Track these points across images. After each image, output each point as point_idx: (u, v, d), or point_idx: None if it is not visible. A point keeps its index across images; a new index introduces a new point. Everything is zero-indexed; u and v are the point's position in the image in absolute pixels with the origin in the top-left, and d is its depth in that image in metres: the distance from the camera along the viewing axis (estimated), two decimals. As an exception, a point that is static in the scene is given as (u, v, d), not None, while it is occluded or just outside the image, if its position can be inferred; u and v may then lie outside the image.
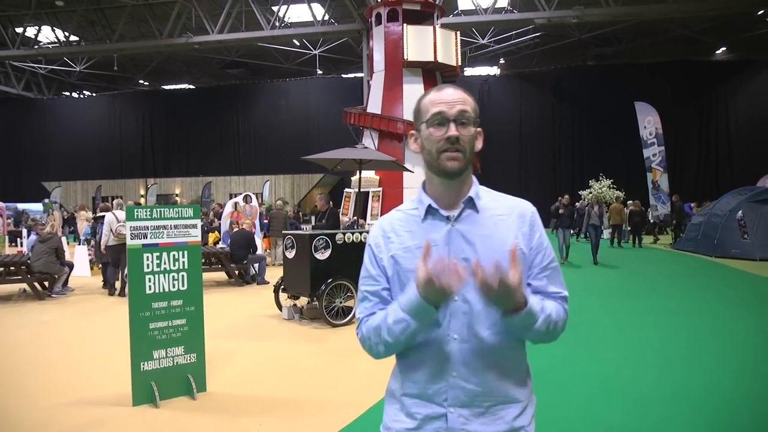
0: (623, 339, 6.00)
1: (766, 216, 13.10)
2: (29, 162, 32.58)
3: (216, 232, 14.36)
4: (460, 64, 21.15)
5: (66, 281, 9.49)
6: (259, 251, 11.67)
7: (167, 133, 32.88)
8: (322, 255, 6.72)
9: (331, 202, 9.42)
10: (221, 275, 11.14)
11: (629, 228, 17.89)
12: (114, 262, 9.21)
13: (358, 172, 9.55)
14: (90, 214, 14.66)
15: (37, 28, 24.23)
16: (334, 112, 24.88)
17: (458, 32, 20.64)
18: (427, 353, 1.31)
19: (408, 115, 17.84)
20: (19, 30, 24.17)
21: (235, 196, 16.41)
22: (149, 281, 4.12)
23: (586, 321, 6.82)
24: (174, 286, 4.22)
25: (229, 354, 5.47)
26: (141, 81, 33.21)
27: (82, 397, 4.28)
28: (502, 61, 28.27)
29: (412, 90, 19.03)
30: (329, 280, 6.60)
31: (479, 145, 1.36)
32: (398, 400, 1.38)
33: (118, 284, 9.30)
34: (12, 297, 9.28)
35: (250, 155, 31.51)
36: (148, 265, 4.12)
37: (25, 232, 15.42)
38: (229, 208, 13.33)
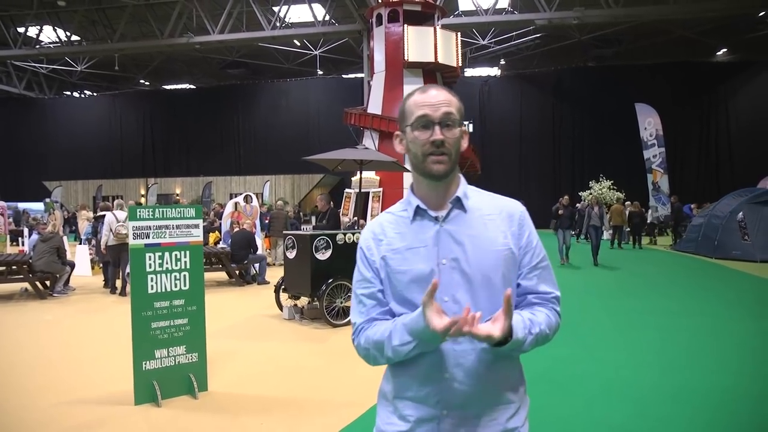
0: (623, 340, 6.00)
1: (766, 217, 13.09)
2: (30, 161, 32.59)
3: (216, 232, 14.36)
4: (460, 64, 21.20)
5: (67, 280, 9.50)
6: (260, 251, 11.69)
7: (168, 133, 32.89)
8: (323, 255, 6.74)
9: (331, 203, 9.41)
10: (222, 275, 11.16)
11: (629, 229, 17.90)
12: (114, 262, 9.25)
13: (358, 172, 9.55)
14: (91, 214, 14.67)
15: (38, 27, 24.24)
16: (334, 113, 24.87)
17: (459, 33, 20.69)
18: (419, 355, 1.29)
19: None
20: (21, 30, 24.20)
21: (236, 196, 16.43)
22: (151, 281, 4.14)
23: (587, 322, 6.83)
24: (176, 286, 4.24)
25: (230, 354, 5.49)
26: (142, 81, 33.23)
27: (83, 396, 4.30)
28: (502, 61, 28.25)
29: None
30: (330, 281, 6.61)
31: (465, 144, 1.36)
32: (391, 403, 1.37)
33: (118, 283, 9.33)
34: (13, 296, 9.30)
35: (251, 155, 31.50)
36: (150, 264, 4.14)
37: (26, 231, 15.44)
38: (229, 208, 13.34)
